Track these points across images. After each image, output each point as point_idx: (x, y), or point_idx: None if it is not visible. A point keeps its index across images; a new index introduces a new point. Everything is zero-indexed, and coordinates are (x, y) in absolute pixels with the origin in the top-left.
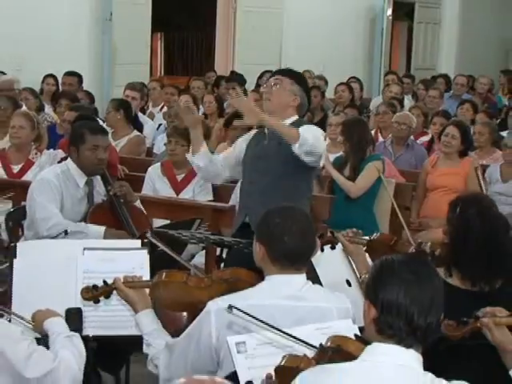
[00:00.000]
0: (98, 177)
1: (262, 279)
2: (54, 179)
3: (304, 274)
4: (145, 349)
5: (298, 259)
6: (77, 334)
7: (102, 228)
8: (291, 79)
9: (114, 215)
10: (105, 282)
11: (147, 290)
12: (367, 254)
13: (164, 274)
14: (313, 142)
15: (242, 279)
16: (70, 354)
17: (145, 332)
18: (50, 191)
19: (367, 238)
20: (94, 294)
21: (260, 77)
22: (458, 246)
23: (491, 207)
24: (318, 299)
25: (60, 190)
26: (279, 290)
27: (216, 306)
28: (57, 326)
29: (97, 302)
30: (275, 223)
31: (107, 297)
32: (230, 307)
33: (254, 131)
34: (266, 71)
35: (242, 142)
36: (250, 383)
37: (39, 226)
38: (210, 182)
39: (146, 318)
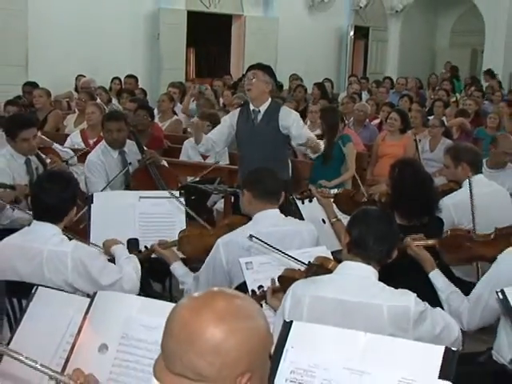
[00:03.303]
0: (132, 145)
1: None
2: (96, 159)
3: (277, 209)
4: (181, 286)
5: (273, 195)
6: (134, 256)
7: None
8: (263, 71)
9: (148, 175)
10: (146, 247)
11: (175, 248)
12: (334, 205)
13: (186, 231)
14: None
15: (237, 222)
16: (130, 268)
17: (179, 275)
18: (96, 169)
19: (334, 192)
20: (139, 256)
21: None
22: (398, 194)
23: (420, 167)
24: (291, 224)
25: (103, 166)
26: (263, 222)
27: (222, 241)
28: (120, 251)
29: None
30: (257, 173)
31: (149, 257)
32: (251, 236)
33: (236, 111)
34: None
35: (228, 120)
36: (261, 287)
37: None
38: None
39: (178, 266)
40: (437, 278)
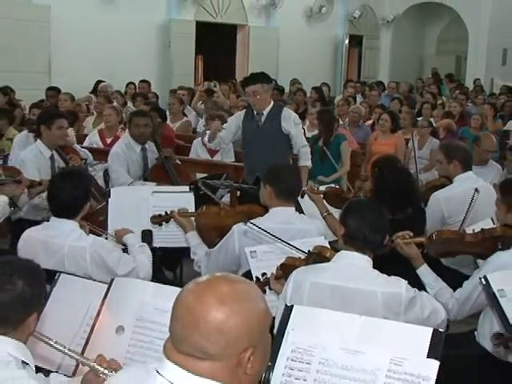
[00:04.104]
0: (152, 144)
1: (267, 212)
2: (120, 151)
3: (293, 207)
4: (192, 256)
5: (293, 194)
6: (145, 244)
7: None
8: (260, 83)
9: (165, 171)
10: (166, 212)
11: (193, 219)
12: (324, 201)
13: (204, 207)
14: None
15: (255, 211)
16: (143, 257)
17: (192, 245)
18: (119, 160)
19: (323, 190)
20: (158, 219)
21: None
22: (380, 190)
23: (398, 163)
24: (302, 223)
25: (125, 158)
26: (278, 217)
27: (238, 228)
28: (132, 240)
29: (160, 225)
30: (281, 171)
31: (167, 222)
32: (246, 221)
33: (241, 112)
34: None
35: (234, 121)
36: (264, 274)
37: (114, 183)
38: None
39: (192, 236)
40: (425, 274)
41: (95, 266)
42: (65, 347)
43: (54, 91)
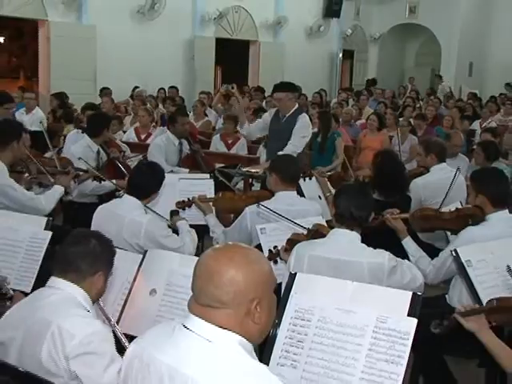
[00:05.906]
0: (184, 141)
1: (273, 196)
2: (161, 143)
3: (295, 191)
4: (211, 234)
5: (295, 180)
6: (193, 230)
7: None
8: (287, 92)
9: (194, 160)
10: (188, 198)
11: (211, 203)
12: (328, 183)
13: (221, 193)
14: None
15: (263, 195)
16: (189, 240)
17: (211, 225)
18: (159, 150)
19: (328, 173)
20: (182, 205)
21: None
22: (379, 176)
23: (396, 156)
24: (303, 204)
25: (164, 149)
26: (283, 200)
27: (250, 210)
28: (183, 225)
29: (184, 209)
30: (285, 160)
31: (189, 206)
32: (258, 204)
33: (273, 110)
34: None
35: (266, 117)
36: (276, 247)
37: None
38: (246, 142)
39: (211, 217)
40: (409, 244)
41: (148, 239)
42: (110, 321)
43: (107, 90)
